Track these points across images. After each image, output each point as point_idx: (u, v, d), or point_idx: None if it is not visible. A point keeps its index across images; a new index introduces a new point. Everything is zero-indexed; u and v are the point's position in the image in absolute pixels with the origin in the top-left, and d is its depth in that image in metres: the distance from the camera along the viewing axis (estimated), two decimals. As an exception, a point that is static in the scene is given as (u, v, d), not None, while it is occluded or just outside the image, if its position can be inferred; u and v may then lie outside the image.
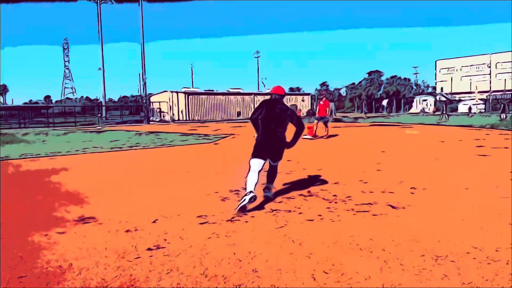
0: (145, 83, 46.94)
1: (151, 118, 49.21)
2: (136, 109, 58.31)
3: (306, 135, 15.52)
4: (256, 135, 5.39)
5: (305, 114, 57.40)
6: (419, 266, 3.11)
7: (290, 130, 5.38)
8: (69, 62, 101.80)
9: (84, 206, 5.35)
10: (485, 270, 3.01)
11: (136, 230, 4.23)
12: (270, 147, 5.28)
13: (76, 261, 3.36)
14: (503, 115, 27.81)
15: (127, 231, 4.20)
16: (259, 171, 5.17)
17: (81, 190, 6.38)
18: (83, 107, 69.54)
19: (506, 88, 68.46)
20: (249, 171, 5.16)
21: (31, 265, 3.27)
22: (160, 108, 55.36)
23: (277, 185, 6.41)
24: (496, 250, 3.38)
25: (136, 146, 14.51)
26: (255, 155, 5.25)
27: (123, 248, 3.64)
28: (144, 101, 48.20)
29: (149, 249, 3.63)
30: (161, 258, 3.41)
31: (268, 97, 5.60)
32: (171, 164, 9.64)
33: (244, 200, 4.76)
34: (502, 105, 29.68)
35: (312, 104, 66.61)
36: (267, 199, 5.40)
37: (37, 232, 4.14)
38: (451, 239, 3.69)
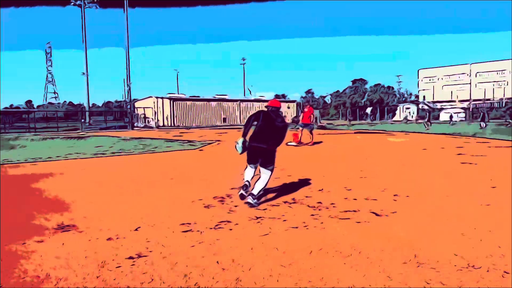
0: (129, 88, 46.52)
1: (135, 124, 48.72)
2: (120, 114, 57.68)
3: (291, 142, 15.59)
4: (237, 141, 5.67)
5: (290, 121, 57.73)
6: (402, 274, 3.13)
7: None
8: (51, 66, 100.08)
9: (64, 213, 5.22)
10: (466, 277, 3.05)
11: (117, 238, 4.15)
12: (262, 151, 5.65)
13: (54, 271, 3.27)
14: (482, 124, 28.44)
15: (108, 239, 4.12)
16: (255, 170, 5.81)
17: (62, 197, 6.24)
18: (66, 112, 68.52)
19: (486, 97, 70.21)
20: (246, 167, 5.84)
21: (7, 275, 3.17)
22: (144, 114, 54.89)
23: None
24: (476, 257, 3.43)
25: (119, 152, 14.32)
26: (249, 161, 5.80)
27: (104, 257, 3.56)
28: (129, 106, 47.69)
29: (130, 257, 3.56)
30: (143, 266, 3.35)
31: (256, 104, 5.84)
32: (155, 170, 9.53)
33: (241, 192, 5.55)
34: (481, 114, 30.33)
35: (297, 111, 67.01)
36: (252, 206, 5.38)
37: (14, 241, 4.02)
38: (432, 247, 3.72)
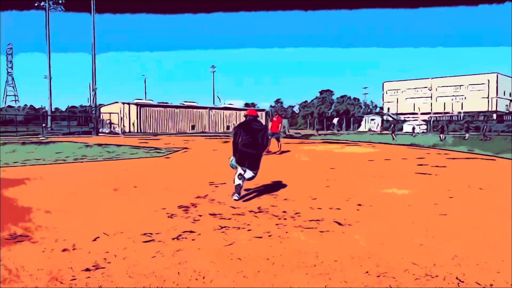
0: (95, 93, 45.22)
1: (100, 130, 47.40)
2: (85, 119, 56.01)
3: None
4: (231, 158, 6.71)
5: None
6: (363, 283, 3.16)
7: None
8: (12, 69, 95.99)
9: (17, 223, 4.95)
10: (424, 286, 3.12)
11: (74, 249, 3.97)
12: (251, 155, 6.49)
13: (3, 285, 3.07)
14: (442, 136, 29.65)
15: (63, 250, 3.93)
16: (244, 173, 6.45)
17: (16, 206, 5.93)
18: (27, 116, 65.71)
19: (445, 111, 73.51)
20: (236, 172, 6.48)
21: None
22: (110, 120, 53.56)
23: (228, 201, 6.36)
24: (433, 266, 3.52)
25: (82, 158, 13.84)
26: (239, 163, 6.50)
27: (58, 269, 3.40)
28: (94, 111, 46.32)
29: (86, 269, 3.41)
30: (100, 279, 3.21)
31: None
32: (118, 178, 9.25)
33: (235, 194, 6.32)
34: (441, 126, 31.64)
35: (266, 120, 67.45)
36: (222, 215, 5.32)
37: (-40, 253, 3.76)
38: (392, 256, 3.80)
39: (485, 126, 34.55)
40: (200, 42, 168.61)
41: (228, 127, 63.71)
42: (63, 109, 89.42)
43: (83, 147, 19.64)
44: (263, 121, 64.69)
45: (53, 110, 56.90)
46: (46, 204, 6.09)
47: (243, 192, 6.66)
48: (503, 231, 4.67)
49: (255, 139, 6.52)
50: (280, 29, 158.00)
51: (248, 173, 6.52)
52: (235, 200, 6.32)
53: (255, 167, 6.61)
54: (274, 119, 17.64)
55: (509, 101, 79.01)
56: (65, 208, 5.89)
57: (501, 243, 4.20)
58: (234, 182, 6.47)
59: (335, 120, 71.46)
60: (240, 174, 6.45)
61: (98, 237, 4.35)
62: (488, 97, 75.11)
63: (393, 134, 30.70)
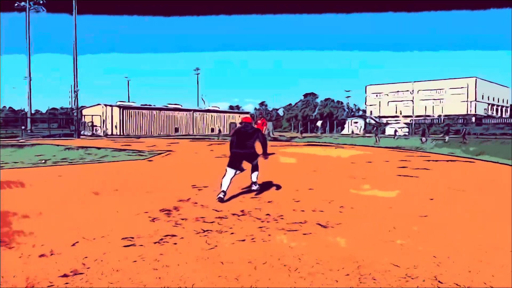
0: (76, 95, 44.52)
1: (82, 132, 46.65)
2: (66, 122, 54.95)
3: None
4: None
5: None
6: (345, 285, 3.18)
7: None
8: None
9: (-7, 228, 4.81)
10: (404, 287, 3.15)
11: (52, 254, 3.88)
12: (243, 155, 6.98)
13: (-24, 292, 2.98)
14: (423, 139, 30.22)
15: (41, 255, 3.84)
16: (232, 177, 6.77)
17: (-8, 210, 5.76)
18: (5, 119, 64.04)
19: (427, 114, 74.90)
20: (224, 175, 6.74)
21: None
22: (92, 122, 52.78)
23: (211, 204, 6.33)
24: (413, 267, 3.56)
25: (62, 161, 13.57)
26: (230, 165, 6.85)
27: (34, 275, 3.31)
28: (75, 113, 45.55)
29: (64, 275, 3.33)
30: (78, 285, 3.15)
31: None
32: (99, 181, 9.09)
33: (219, 196, 6.49)
34: (422, 129, 32.22)
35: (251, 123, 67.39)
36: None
37: None
38: (374, 257, 3.83)
39: (465, 129, 35.35)
40: (185, 44, 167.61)
41: (212, 130, 63.50)
42: (44, 111, 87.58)
43: (63, 150, 19.28)
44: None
45: (33, 112, 55.71)
46: (23, 209, 5.93)
47: (226, 196, 6.64)
48: (481, 232, 4.77)
49: (246, 141, 6.99)
50: (266, 32, 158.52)
51: (253, 168, 7.32)
52: (218, 200, 6.44)
53: (252, 160, 7.18)
54: (259, 122, 17.69)
55: (487, 104, 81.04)
56: (43, 212, 5.75)
57: (480, 244, 4.28)
58: (221, 184, 6.67)
59: (319, 123, 72.05)
60: (227, 177, 6.71)
61: (77, 242, 4.26)
62: (467, 101, 76.89)
63: (376, 137, 31.11)
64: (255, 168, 7.41)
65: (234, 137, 7.13)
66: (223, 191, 6.56)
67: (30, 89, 49.99)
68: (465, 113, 73.99)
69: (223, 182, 6.67)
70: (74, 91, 44.75)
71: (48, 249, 4.01)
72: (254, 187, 7.45)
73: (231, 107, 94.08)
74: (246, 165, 7.20)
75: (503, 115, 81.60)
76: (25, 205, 6.27)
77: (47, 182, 9.01)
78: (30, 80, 49.82)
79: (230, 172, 6.79)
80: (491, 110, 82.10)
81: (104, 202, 6.61)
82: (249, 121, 7.29)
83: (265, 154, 7.28)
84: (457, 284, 3.22)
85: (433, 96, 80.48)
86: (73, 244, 4.19)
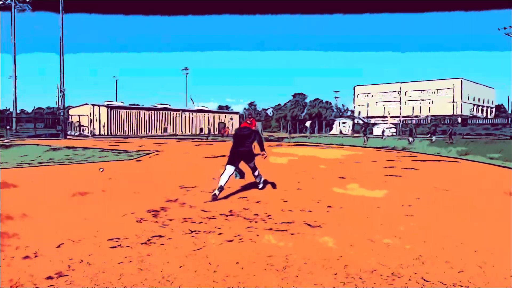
0: (63, 94, 43.89)
1: (69, 132, 46.08)
2: (52, 122, 54.14)
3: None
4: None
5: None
6: (331, 284, 3.19)
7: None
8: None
9: (-25, 230, 4.72)
10: (390, 287, 3.18)
11: (36, 256, 3.81)
12: (241, 152, 7.30)
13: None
14: (410, 139, 30.53)
15: (25, 257, 3.77)
16: (230, 175, 7.08)
17: (-25, 212, 5.64)
18: (-11, 118, 62.88)
19: (414, 114, 75.80)
20: (223, 173, 7.03)
21: None
22: (79, 122, 52.17)
23: (199, 205, 6.30)
24: (400, 266, 3.60)
25: (48, 162, 13.37)
26: (229, 162, 7.21)
27: (18, 278, 3.25)
28: (62, 113, 44.92)
29: (49, 277, 3.28)
30: (63, 287, 3.10)
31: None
32: (86, 182, 8.98)
33: (215, 192, 6.70)
34: (409, 129, 32.57)
35: (240, 123, 67.45)
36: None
37: None
38: (361, 257, 3.86)
39: (451, 130, 35.85)
40: (174, 44, 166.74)
41: (201, 130, 63.28)
42: (29, 111, 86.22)
43: (49, 150, 19.00)
44: (237, 124, 64.74)
45: (18, 112, 54.77)
46: (7, 210, 5.82)
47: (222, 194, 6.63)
48: (465, 231, 4.84)
49: (244, 141, 7.38)
50: (256, 32, 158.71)
51: (252, 170, 7.64)
52: (213, 196, 6.67)
53: (249, 160, 7.45)
54: (248, 122, 17.64)
55: (472, 105, 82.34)
56: (28, 213, 5.66)
57: (464, 242, 4.34)
58: (219, 181, 6.95)
59: (308, 123, 72.30)
60: (226, 173, 7.02)
61: (63, 244, 4.20)
62: (453, 101, 78.01)
63: (365, 137, 31.35)
64: (254, 169, 7.68)
65: (233, 139, 7.58)
66: (220, 186, 6.78)
67: (15, 88, 49.16)
68: (451, 113, 75.07)
69: (221, 178, 6.92)
70: (61, 91, 44.11)
71: (32, 251, 3.95)
72: (260, 186, 7.88)
73: (220, 107, 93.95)
74: (245, 168, 7.56)
75: (488, 116, 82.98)
76: (9, 206, 6.16)
77: (32, 183, 8.87)
78: (16, 79, 49.00)
79: (229, 169, 7.10)
80: (476, 110, 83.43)
81: (91, 203, 6.53)
82: (247, 126, 7.64)
83: (263, 151, 7.61)
84: (442, 283, 3.26)
85: (420, 97, 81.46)
86: (58, 246, 4.13)
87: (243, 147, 7.33)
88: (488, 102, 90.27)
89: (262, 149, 7.59)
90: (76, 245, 4.19)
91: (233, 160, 7.27)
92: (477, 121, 61.44)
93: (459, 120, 66.17)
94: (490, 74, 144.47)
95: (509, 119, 57.53)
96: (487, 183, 9.08)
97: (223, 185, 6.83)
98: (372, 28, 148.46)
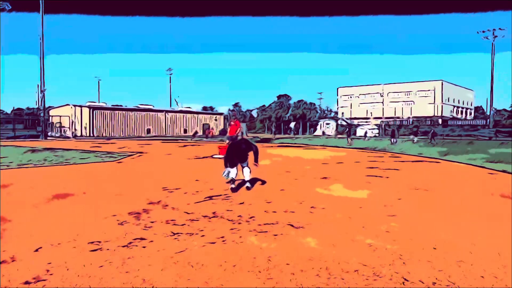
0: (43, 94, 42.99)
1: (50, 134, 45.17)
2: (32, 123, 52.92)
3: (217, 154, 15.52)
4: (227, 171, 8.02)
5: (218, 133, 57.65)
6: (314, 285, 3.20)
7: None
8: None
9: (-50, 234, 4.57)
10: (371, 286, 3.21)
11: (13, 260, 3.72)
12: (238, 152, 7.97)
13: None
14: (393, 140, 30.97)
15: (2, 262, 3.67)
16: (237, 172, 7.88)
17: (-51, 216, 5.47)
18: (-34, 119, 61.14)
19: (396, 115, 76.96)
20: (228, 172, 7.88)
21: None
22: (60, 123, 51.19)
23: (182, 207, 6.26)
24: (381, 266, 3.64)
25: (27, 164, 13.07)
26: (231, 165, 7.92)
27: (-7, 284, 3.16)
28: (42, 114, 43.99)
29: (26, 282, 3.21)
30: (40, 292, 3.03)
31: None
32: (66, 184, 8.80)
33: (231, 186, 7.79)
34: (392, 130, 33.03)
35: (224, 124, 67.33)
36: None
37: None
38: (343, 257, 3.89)
39: (432, 131, 36.52)
40: (157, 45, 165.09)
41: (185, 131, 62.87)
42: (8, 111, 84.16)
43: (28, 151, 18.57)
44: (221, 125, 64.58)
45: (-4, 112, 53.38)
46: (-16, 213, 5.67)
47: (197, 198, 6.58)
48: (445, 231, 4.93)
49: (239, 154, 8.03)
50: (241, 34, 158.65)
51: (244, 169, 8.10)
52: (231, 188, 7.74)
53: (243, 160, 8.06)
54: (232, 123, 17.60)
55: (452, 107, 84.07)
56: (5, 217, 5.51)
57: (443, 242, 4.42)
58: (228, 175, 7.91)
59: (292, 124, 72.60)
60: (233, 171, 7.89)
61: (41, 248, 4.11)
62: (434, 103, 79.48)
63: (348, 138, 31.64)
64: (246, 170, 8.15)
65: (231, 150, 8.17)
66: (232, 179, 7.81)
67: (-7, 88, 47.90)
68: (432, 114, 76.45)
69: (231, 172, 7.84)
70: (41, 91, 43.20)
71: (9, 255, 3.85)
72: (248, 185, 8.10)
73: (204, 108, 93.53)
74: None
75: (467, 117, 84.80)
76: (-14, 209, 5.99)
77: (10, 185, 8.65)
78: (-6, 79, 47.74)
79: (234, 170, 7.91)
80: (456, 112, 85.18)
81: (71, 205, 6.41)
82: (244, 139, 8.50)
83: (256, 162, 8.19)
84: (422, 282, 3.31)
85: (402, 99, 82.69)
86: (36, 250, 4.04)
87: (239, 149, 8.05)
88: (467, 104, 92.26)
89: (256, 160, 8.16)
90: (55, 248, 4.10)
91: (232, 161, 7.94)
92: (457, 122, 62.75)
93: (440, 121, 67.46)
94: (469, 76, 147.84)
95: (488, 120, 58.96)
96: (466, 183, 9.27)
97: (234, 177, 7.84)
98: (356, 30, 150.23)
